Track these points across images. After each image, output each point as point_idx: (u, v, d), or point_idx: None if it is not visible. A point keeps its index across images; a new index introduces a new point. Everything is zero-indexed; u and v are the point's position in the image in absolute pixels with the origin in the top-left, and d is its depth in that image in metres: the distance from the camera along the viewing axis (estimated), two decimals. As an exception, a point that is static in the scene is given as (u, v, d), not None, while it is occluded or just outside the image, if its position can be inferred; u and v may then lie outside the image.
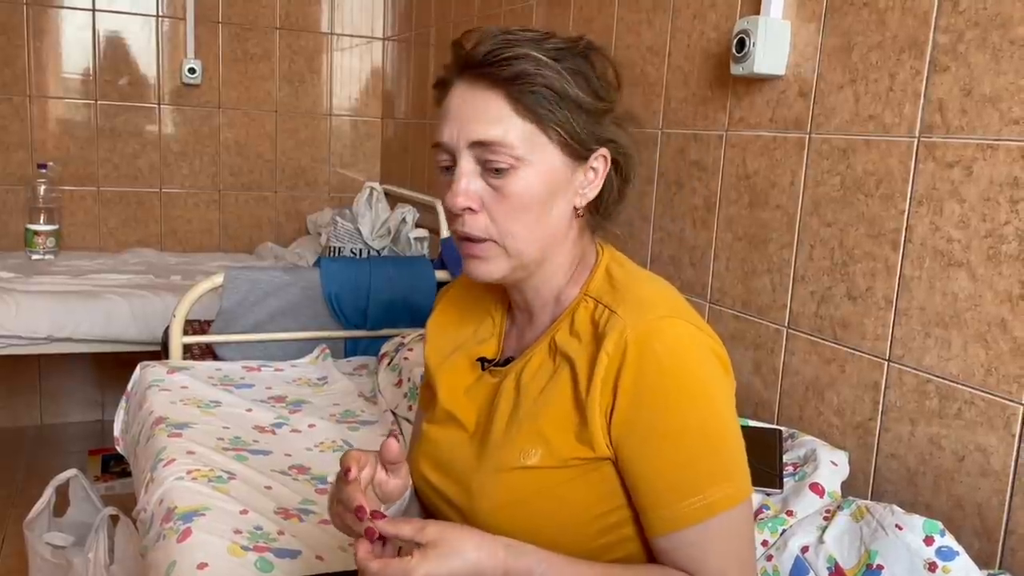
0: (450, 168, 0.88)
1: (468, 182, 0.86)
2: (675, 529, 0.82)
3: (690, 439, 0.82)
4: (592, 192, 0.91)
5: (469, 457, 0.93)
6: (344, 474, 0.84)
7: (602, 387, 0.83)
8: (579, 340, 0.88)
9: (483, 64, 0.85)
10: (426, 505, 1.01)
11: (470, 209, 0.87)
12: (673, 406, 0.82)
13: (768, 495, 1.24)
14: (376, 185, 3.03)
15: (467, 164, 0.86)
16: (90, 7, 3.21)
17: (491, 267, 0.89)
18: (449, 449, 0.96)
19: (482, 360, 0.99)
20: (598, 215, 0.95)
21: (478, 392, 0.97)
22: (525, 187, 0.86)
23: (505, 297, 1.00)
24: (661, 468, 0.82)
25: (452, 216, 0.89)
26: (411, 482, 0.94)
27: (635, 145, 0.95)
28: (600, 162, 0.91)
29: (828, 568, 1.09)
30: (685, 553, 0.82)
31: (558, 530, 0.86)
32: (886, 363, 1.30)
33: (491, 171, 0.85)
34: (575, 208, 0.91)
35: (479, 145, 0.85)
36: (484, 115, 0.85)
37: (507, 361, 0.96)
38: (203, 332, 2.38)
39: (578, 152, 0.88)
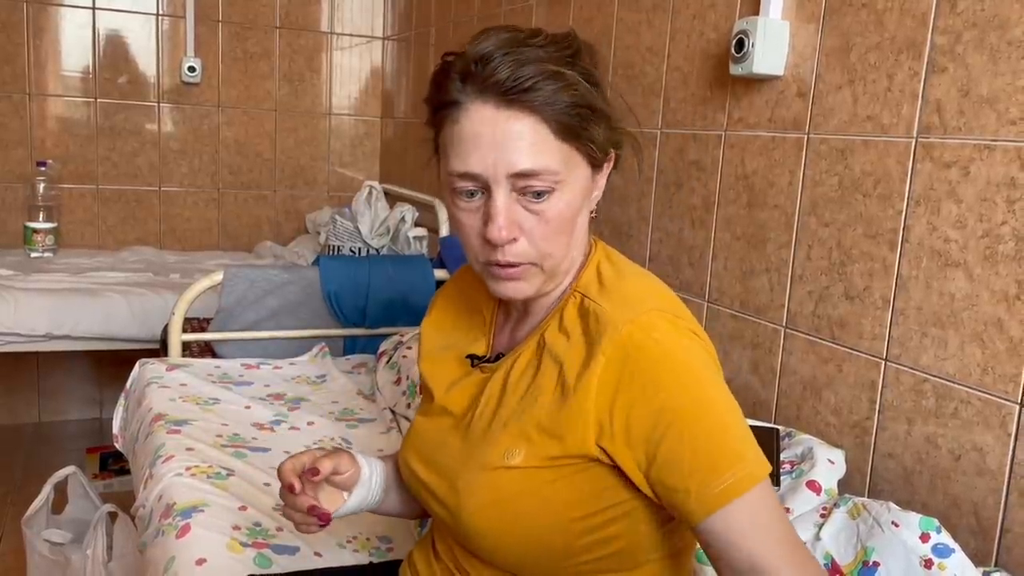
0: (473, 193, 0.85)
1: (509, 211, 0.84)
2: (724, 504, 0.79)
3: (714, 415, 0.82)
4: (600, 193, 0.92)
5: (454, 452, 0.93)
6: (288, 489, 0.97)
7: (599, 388, 0.82)
8: (567, 337, 0.88)
9: (512, 90, 0.81)
10: (415, 497, 1.02)
11: (514, 238, 0.85)
12: (688, 388, 0.81)
13: (765, 493, 1.24)
14: (375, 184, 3.04)
15: (505, 195, 0.84)
16: (90, 5, 3.21)
17: (527, 286, 0.89)
18: (435, 443, 0.97)
19: (472, 357, 0.99)
20: None
21: (467, 387, 0.97)
22: (565, 207, 0.85)
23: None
24: (697, 446, 0.80)
25: (489, 246, 0.86)
26: (372, 471, 1.04)
27: (634, 136, 0.96)
28: (608, 164, 0.92)
29: (825, 565, 1.09)
30: (737, 529, 0.79)
31: (542, 529, 0.86)
32: (883, 363, 1.31)
33: (530, 197, 0.84)
34: (591, 212, 0.92)
35: (521, 175, 0.83)
36: (523, 144, 0.82)
37: (497, 357, 0.96)
38: (202, 330, 2.38)
39: (599, 161, 0.89)
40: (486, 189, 0.84)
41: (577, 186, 0.87)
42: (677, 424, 0.80)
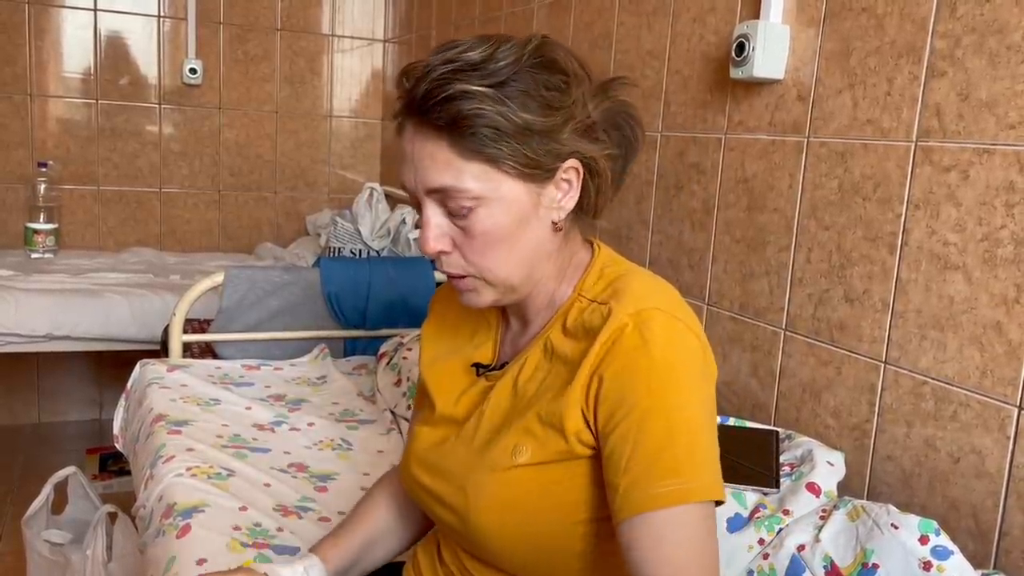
0: (419, 205, 0.88)
1: (436, 226, 0.86)
2: (644, 510, 0.78)
3: (669, 423, 0.79)
4: (570, 203, 0.89)
5: (462, 458, 0.92)
6: None
7: (589, 372, 0.83)
8: (575, 339, 0.88)
9: (423, 109, 0.83)
10: (419, 507, 1.02)
11: (443, 251, 0.87)
12: (655, 388, 0.80)
13: (765, 495, 1.25)
14: (376, 186, 3.04)
15: (431, 209, 0.86)
16: (92, 7, 3.21)
17: (480, 297, 0.90)
18: (441, 451, 0.96)
19: (477, 365, 0.99)
20: (585, 215, 0.93)
21: (473, 396, 0.96)
22: (491, 224, 0.85)
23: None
24: (639, 446, 0.79)
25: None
26: None
27: (619, 142, 0.92)
28: (571, 173, 0.88)
29: (824, 567, 1.10)
30: (648, 538, 0.78)
31: (551, 531, 0.86)
32: (882, 365, 1.31)
33: (454, 213, 0.85)
34: (554, 223, 0.89)
35: (436, 192, 0.85)
36: (433, 163, 0.83)
37: (502, 366, 0.96)
38: (203, 331, 2.38)
39: (539, 175, 0.85)
40: (419, 203, 0.87)
41: (504, 202, 0.85)
42: (626, 422, 0.80)
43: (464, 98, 0.81)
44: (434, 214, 0.86)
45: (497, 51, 0.83)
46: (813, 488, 1.23)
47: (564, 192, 0.88)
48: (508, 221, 0.85)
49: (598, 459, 0.84)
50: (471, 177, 0.83)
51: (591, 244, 0.97)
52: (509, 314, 0.99)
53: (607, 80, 0.93)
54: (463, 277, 0.89)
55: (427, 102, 0.82)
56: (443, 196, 0.85)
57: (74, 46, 3.22)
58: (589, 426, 0.84)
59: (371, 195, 2.99)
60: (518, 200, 0.85)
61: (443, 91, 0.81)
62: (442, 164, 0.83)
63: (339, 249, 2.94)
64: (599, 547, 0.87)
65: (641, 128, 0.95)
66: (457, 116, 0.81)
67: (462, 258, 0.87)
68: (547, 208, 0.88)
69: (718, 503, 0.82)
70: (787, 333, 1.50)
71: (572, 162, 0.87)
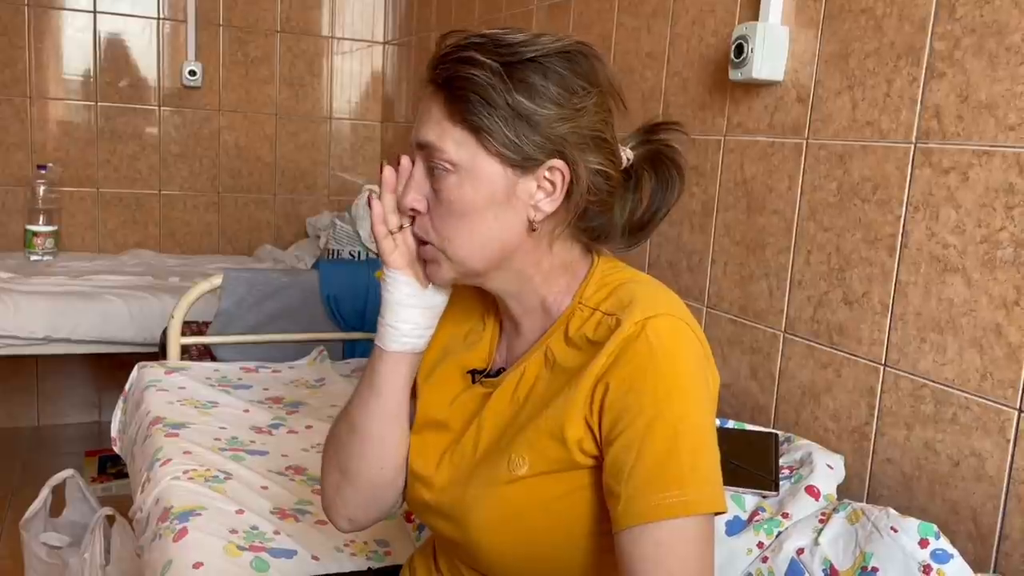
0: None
1: (417, 185, 0.88)
2: (646, 520, 0.77)
3: (675, 431, 0.78)
4: (548, 206, 0.86)
5: (461, 472, 0.91)
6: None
7: (594, 380, 0.82)
8: (578, 349, 0.86)
9: (434, 65, 0.86)
10: (417, 519, 1.00)
11: (417, 211, 0.88)
12: (662, 395, 0.79)
13: (764, 498, 1.24)
14: (375, 188, 3.03)
15: (419, 166, 0.88)
16: (91, 9, 3.21)
17: (439, 270, 0.89)
18: (437, 463, 0.94)
19: (473, 372, 0.97)
20: (587, 235, 0.91)
21: (467, 402, 0.95)
22: (458, 195, 0.85)
23: (496, 303, 0.98)
24: (643, 455, 0.78)
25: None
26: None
27: (607, 159, 0.88)
28: (556, 176, 0.85)
29: (823, 570, 1.09)
30: (648, 549, 0.76)
31: (553, 546, 0.85)
32: (882, 368, 1.31)
33: (433, 175, 0.86)
34: (530, 221, 0.86)
35: (422, 148, 0.87)
36: (428, 119, 0.86)
37: (498, 372, 0.94)
38: (201, 334, 2.38)
39: (518, 163, 0.84)
40: (413, 159, 0.89)
41: (478, 178, 0.84)
42: (631, 429, 0.79)
43: (467, 63, 0.83)
44: (419, 171, 0.88)
45: (536, 38, 0.85)
46: (812, 491, 1.22)
47: (546, 193, 0.86)
48: (475, 197, 0.85)
49: (599, 470, 0.83)
50: (452, 141, 0.84)
51: (592, 253, 0.95)
52: (503, 315, 0.97)
53: (659, 123, 0.93)
54: (425, 245, 0.90)
55: (439, 60, 0.85)
56: (427, 153, 0.86)
57: (74, 48, 3.22)
58: (593, 434, 0.82)
59: (370, 197, 2.99)
60: (491, 181, 0.85)
61: (455, 54, 0.84)
62: (433, 121, 0.86)
63: (338, 251, 2.93)
64: (601, 560, 0.85)
65: (681, 174, 0.93)
66: (453, 76, 0.83)
67: (429, 223, 0.88)
68: (523, 202, 0.86)
69: (718, 513, 0.81)
70: (786, 335, 1.50)
71: (558, 163, 0.85)
